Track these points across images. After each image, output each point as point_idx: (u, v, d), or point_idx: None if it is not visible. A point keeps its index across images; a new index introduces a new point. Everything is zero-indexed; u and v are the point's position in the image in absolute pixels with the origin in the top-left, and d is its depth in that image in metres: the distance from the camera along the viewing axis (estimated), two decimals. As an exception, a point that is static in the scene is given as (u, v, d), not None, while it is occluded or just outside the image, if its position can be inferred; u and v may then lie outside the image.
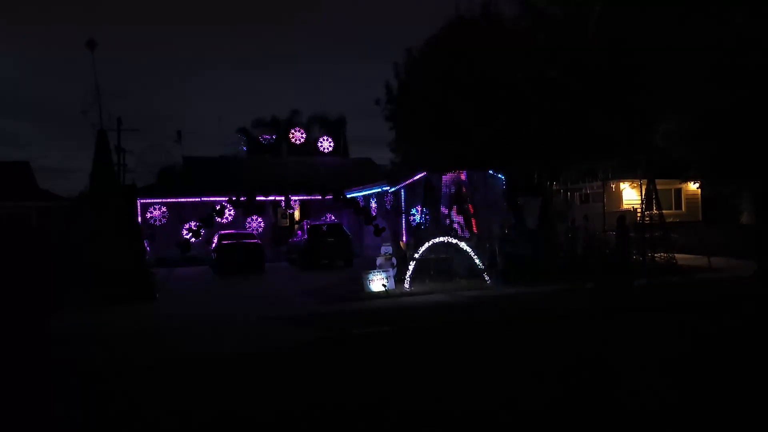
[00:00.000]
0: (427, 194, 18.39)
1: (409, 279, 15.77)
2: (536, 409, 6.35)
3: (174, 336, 10.60)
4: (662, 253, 17.81)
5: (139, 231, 21.13)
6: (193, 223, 16.92)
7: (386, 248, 19.28)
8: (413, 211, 24.82)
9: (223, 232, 25.18)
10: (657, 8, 14.46)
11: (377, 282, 15.21)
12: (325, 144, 39.96)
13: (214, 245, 23.95)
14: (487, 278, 15.80)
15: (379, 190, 28.01)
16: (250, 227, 31.39)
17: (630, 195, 27.79)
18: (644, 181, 18.93)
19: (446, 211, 20.15)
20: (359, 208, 18.50)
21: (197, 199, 29.94)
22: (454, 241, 16.26)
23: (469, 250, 16.04)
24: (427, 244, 15.73)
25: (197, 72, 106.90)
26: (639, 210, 18.61)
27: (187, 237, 17.23)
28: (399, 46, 42.64)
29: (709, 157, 16.17)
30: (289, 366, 8.68)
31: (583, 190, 26.56)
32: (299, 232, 25.86)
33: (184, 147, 37.78)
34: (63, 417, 6.71)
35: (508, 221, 18.87)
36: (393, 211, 26.56)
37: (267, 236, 31.21)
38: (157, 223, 29.89)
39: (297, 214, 34.00)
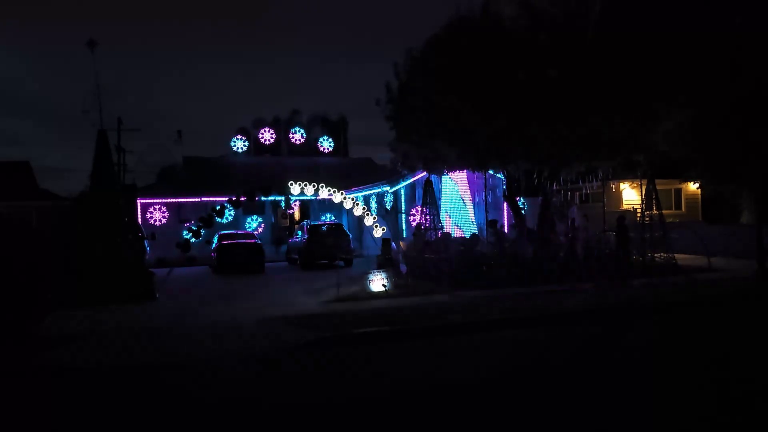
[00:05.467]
0: (427, 194, 18.37)
1: (409, 279, 15.77)
2: (535, 408, 6.35)
3: (174, 336, 10.59)
4: (662, 253, 17.83)
5: (139, 231, 21.15)
6: (193, 223, 16.91)
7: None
8: (413, 211, 24.82)
9: (223, 232, 25.18)
10: (657, 8, 14.46)
11: (377, 282, 15.21)
12: (325, 144, 39.96)
13: (214, 245, 23.96)
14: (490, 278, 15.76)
15: (379, 190, 28.02)
16: (250, 227, 31.40)
17: (630, 195, 27.80)
18: (644, 181, 18.93)
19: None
20: (359, 208, 18.47)
21: (197, 199, 29.93)
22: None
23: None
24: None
25: (197, 72, 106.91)
26: (639, 210, 18.61)
27: (187, 237, 17.21)
28: (399, 46, 42.65)
29: (709, 157, 16.14)
30: (289, 366, 8.68)
31: (583, 190, 26.57)
32: (299, 232, 25.87)
33: (184, 147, 37.79)
34: (63, 417, 6.71)
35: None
36: (393, 211, 26.57)
37: (267, 236, 31.21)
38: (157, 223, 29.88)
39: (297, 214, 34.00)
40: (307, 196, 20.20)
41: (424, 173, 20.27)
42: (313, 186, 19.25)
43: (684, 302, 12.98)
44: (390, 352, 9.35)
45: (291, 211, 32.51)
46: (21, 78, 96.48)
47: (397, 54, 29.35)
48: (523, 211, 20.41)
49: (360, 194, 29.49)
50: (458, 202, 25.41)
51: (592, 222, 21.83)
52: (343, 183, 29.54)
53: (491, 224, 19.60)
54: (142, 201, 29.96)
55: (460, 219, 25.20)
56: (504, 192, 21.22)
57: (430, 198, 18.27)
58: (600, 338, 10.14)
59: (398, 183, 25.93)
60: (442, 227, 18.74)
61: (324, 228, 24.70)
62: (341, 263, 23.63)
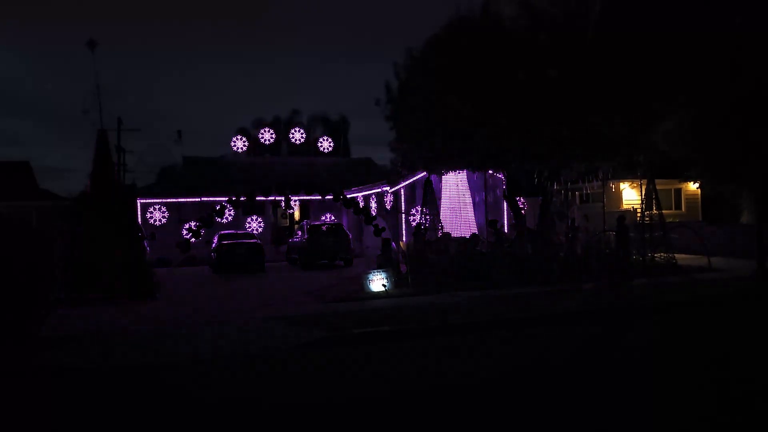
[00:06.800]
0: (426, 194, 18.39)
1: (409, 279, 15.76)
2: (535, 408, 6.35)
3: (174, 336, 10.59)
4: (662, 253, 17.83)
5: (139, 231, 21.13)
6: (193, 223, 16.92)
7: None
8: (413, 211, 24.82)
9: (223, 232, 25.19)
10: (657, 8, 14.46)
11: (377, 282, 15.20)
12: (325, 144, 39.98)
13: (214, 245, 23.97)
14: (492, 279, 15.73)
15: (379, 190, 28.03)
16: (250, 227, 31.40)
17: (630, 195, 27.78)
18: (644, 181, 18.93)
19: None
20: (359, 208, 18.50)
21: (197, 199, 29.94)
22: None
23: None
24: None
25: (197, 72, 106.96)
26: (639, 210, 18.61)
27: (187, 237, 17.22)
28: (399, 46, 42.66)
29: (709, 157, 16.14)
30: (289, 366, 8.68)
31: (583, 190, 26.55)
32: (299, 232, 25.88)
33: (184, 147, 37.85)
34: (63, 417, 6.70)
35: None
36: (393, 211, 26.58)
37: (267, 236, 31.21)
38: (157, 223, 29.89)
39: (297, 214, 34.01)
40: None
41: (424, 173, 20.27)
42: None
43: (684, 302, 12.97)
44: (390, 352, 9.34)
45: (291, 211, 32.54)
46: (21, 78, 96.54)
47: (397, 54, 29.40)
48: (523, 211, 20.39)
49: (360, 194, 29.50)
50: (458, 202, 25.40)
51: (592, 222, 21.83)
52: (343, 183, 29.58)
53: (491, 224, 19.61)
54: (142, 201, 29.96)
55: (460, 219, 25.19)
56: (504, 192, 21.22)
57: (430, 198, 18.29)
58: (600, 338, 10.14)
59: (398, 183, 25.94)
60: (442, 227, 18.74)
61: (324, 228, 24.71)
62: (341, 263, 23.66)
